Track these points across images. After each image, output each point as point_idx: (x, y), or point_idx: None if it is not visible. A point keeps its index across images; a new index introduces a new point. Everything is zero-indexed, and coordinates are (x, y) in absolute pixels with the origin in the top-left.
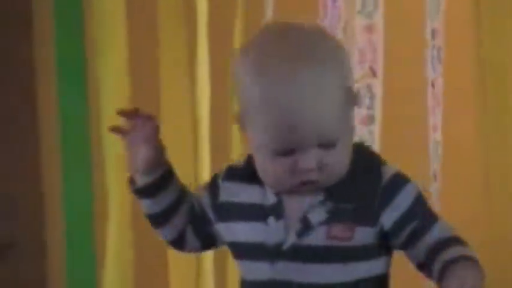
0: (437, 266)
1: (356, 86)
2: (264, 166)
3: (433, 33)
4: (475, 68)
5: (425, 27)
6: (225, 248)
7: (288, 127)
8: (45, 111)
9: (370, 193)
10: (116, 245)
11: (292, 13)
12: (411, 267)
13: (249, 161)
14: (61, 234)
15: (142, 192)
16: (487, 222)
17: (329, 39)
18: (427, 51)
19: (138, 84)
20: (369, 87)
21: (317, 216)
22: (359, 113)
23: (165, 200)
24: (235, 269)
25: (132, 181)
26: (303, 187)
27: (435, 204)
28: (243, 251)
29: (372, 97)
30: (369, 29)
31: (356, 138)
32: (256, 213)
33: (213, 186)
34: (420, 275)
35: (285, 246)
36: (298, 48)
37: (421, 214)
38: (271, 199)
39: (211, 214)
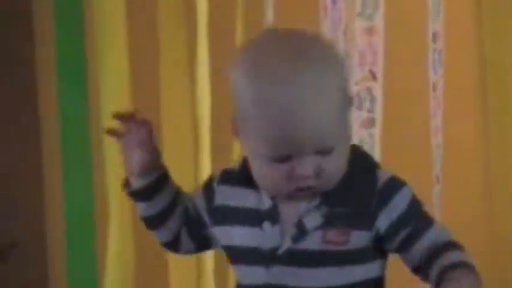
0: (434, 271)
1: (356, 89)
2: (261, 172)
3: (434, 35)
4: (476, 68)
5: (426, 30)
6: None
7: (287, 128)
8: (45, 111)
9: (366, 197)
10: (116, 245)
11: (292, 14)
12: (406, 270)
13: (245, 165)
14: (61, 234)
15: (137, 194)
16: (487, 223)
17: (327, 44)
18: (428, 53)
19: (138, 84)
20: (369, 90)
21: (312, 220)
22: (360, 116)
23: (160, 203)
24: None
25: (127, 183)
26: (300, 193)
27: (436, 204)
28: (238, 255)
29: (373, 100)
30: (369, 31)
31: (357, 142)
32: (251, 217)
33: (208, 189)
34: (415, 278)
35: (281, 251)
36: (297, 49)
37: (416, 217)
38: (266, 203)
39: (206, 217)
